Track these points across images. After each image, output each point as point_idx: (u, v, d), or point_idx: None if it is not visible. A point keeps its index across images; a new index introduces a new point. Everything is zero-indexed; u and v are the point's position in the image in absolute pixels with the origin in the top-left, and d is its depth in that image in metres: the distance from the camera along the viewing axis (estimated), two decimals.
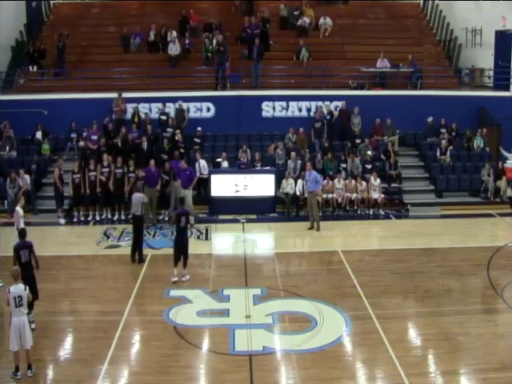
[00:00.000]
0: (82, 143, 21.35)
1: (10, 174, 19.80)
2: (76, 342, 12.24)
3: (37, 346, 11.09)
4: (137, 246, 15.79)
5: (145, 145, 20.94)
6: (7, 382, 10.67)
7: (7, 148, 21.52)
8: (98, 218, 19.52)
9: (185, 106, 22.94)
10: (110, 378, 10.87)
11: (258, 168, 20.97)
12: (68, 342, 12.26)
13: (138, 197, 15.99)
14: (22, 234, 12.63)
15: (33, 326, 12.00)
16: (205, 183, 20.34)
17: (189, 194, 18.90)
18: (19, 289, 10.78)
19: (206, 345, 12.00)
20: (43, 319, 12.49)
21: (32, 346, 10.83)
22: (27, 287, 10.96)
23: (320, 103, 23.34)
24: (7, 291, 10.74)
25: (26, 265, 12.10)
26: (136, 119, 22.52)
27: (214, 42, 24.44)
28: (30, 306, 11.81)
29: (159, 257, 16.44)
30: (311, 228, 18.74)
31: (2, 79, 24.85)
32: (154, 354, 11.53)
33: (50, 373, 11.17)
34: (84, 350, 11.77)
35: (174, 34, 25.21)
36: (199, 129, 22.11)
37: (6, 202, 19.81)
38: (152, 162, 19.08)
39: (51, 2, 29.14)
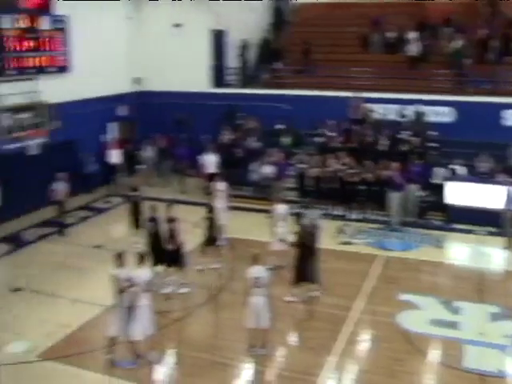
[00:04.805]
0: (320, 139, 21.83)
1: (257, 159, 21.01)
2: (306, 330, 12.57)
3: (270, 327, 11.50)
4: None
5: (381, 146, 20.83)
6: (243, 356, 11.37)
7: (252, 138, 22.59)
8: (333, 212, 19.71)
9: (423, 109, 22.38)
10: (336, 371, 11.02)
11: (499, 179, 19.74)
12: (298, 329, 12.65)
13: None
14: None
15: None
16: (440, 189, 19.68)
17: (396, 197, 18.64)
18: (258, 270, 11.30)
19: (435, 355, 11.64)
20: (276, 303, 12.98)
21: (268, 326, 11.30)
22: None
23: None
24: (248, 272, 11.30)
25: None
26: (370, 120, 22.48)
27: (456, 44, 23.56)
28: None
29: (395, 259, 16.35)
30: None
31: (250, 74, 26.29)
32: (383, 355, 11.50)
33: (280, 355, 11.63)
34: (313, 339, 12.08)
35: (414, 34, 24.74)
36: (435, 133, 21.49)
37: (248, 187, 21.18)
38: (395, 164, 18.86)
39: (296, 3, 30.25)
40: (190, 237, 15.07)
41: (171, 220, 13.98)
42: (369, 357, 11.60)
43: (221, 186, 16.94)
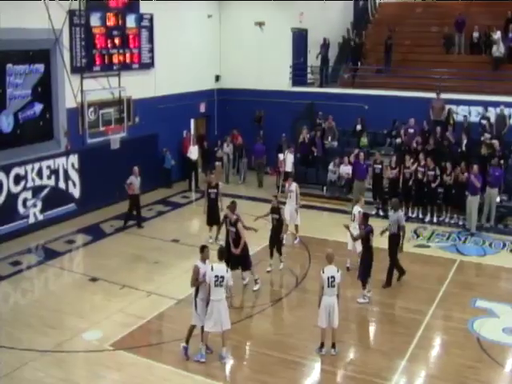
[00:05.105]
0: (398, 140, 21.56)
1: (334, 159, 21.16)
2: (377, 333, 12.60)
3: (341, 328, 11.51)
4: None
5: (461, 148, 20.34)
6: (313, 355, 11.39)
7: (329, 138, 22.69)
8: (409, 214, 19.33)
9: (506, 111, 21.69)
10: (407, 375, 10.93)
11: None
12: (370, 331, 12.72)
13: None
14: None
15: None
16: None
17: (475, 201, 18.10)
18: (332, 270, 11.29)
19: (508, 364, 11.33)
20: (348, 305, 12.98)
21: (337, 326, 11.33)
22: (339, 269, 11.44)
23: None
24: (321, 272, 11.32)
25: None
26: (451, 121, 21.97)
27: None
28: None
29: (471, 264, 16.02)
30: None
31: (329, 73, 26.22)
32: (454, 361, 11.29)
33: (351, 356, 11.61)
34: (385, 342, 12.02)
35: (498, 34, 23.97)
36: None
37: (324, 187, 21.37)
38: (476, 167, 18.41)
39: (377, 2, 29.92)
40: (263, 234, 15.21)
41: (235, 222, 13.80)
42: (440, 363, 11.45)
43: (294, 185, 16.94)
